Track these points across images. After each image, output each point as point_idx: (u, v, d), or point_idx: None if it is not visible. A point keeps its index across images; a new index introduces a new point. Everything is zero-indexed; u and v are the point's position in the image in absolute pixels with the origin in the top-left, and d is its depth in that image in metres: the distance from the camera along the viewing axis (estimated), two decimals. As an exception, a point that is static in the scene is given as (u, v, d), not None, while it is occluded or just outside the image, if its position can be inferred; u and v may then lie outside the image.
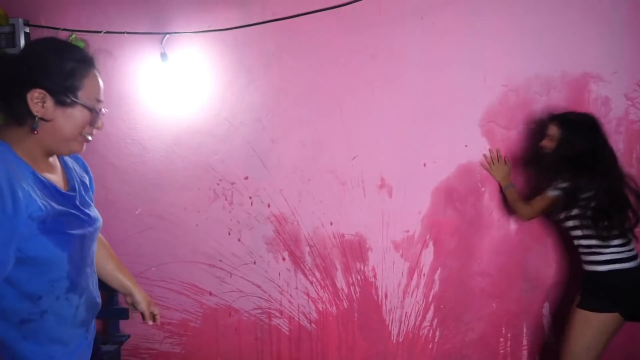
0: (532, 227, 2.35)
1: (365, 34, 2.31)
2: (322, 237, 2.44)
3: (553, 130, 2.10)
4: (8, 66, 1.13)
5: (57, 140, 1.16)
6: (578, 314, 2.04)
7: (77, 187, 1.26)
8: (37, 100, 1.11)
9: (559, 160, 2.07)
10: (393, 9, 2.29)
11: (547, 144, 2.12)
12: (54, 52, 1.15)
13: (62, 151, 1.20)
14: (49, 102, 1.12)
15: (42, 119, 1.12)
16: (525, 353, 2.43)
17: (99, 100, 1.20)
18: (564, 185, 2.05)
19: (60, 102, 1.13)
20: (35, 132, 1.12)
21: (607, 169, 2.03)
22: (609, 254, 2.01)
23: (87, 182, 1.35)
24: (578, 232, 2.07)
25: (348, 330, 2.48)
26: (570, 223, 2.08)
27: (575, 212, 2.04)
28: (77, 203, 1.22)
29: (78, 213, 1.20)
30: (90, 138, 1.22)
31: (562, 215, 2.09)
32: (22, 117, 1.12)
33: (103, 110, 1.22)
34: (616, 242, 2.01)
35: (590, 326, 2.01)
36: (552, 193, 2.09)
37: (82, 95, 1.15)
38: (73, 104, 1.14)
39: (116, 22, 2.38)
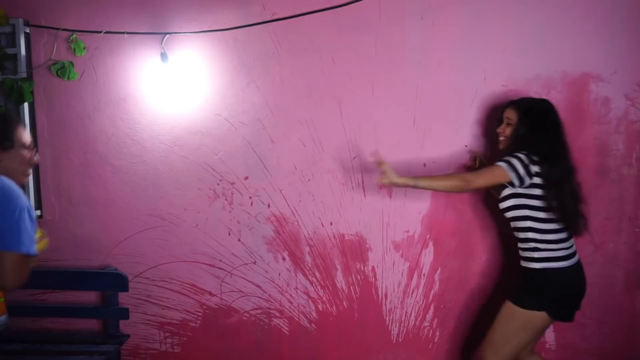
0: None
1: (365, 34, 2.31)
2: (322, 237, 2.44)
3: (510, 114, 2.04)
4: None
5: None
6: (506, 306, 2.01)
7: None
8: None
9: (519, 143, 1.98)
10: (393, 9, 2.29)
11: (504, 129, 2.06)
12: None
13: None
14: None
15: None
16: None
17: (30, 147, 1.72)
18: (522, 161, 1.92)
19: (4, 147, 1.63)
20: None
21: (566, 156, 1.98)
22: (546, 250, 1.95)
23: None
24: (525, 224, 1.97)
25: (348, 330, 2.48)
26: (517, 212, 1.98)
27: (531, 200, 1.95)
28: None
29: None
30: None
31: (510, 202, 1.99)
32: None
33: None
34: (559, 237, 1.96)
35: (514, 320, 1.98)
36: (504, 165, 1.93)
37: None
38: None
39: (116, 22, 2.39)
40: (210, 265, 2.50)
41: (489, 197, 2.35)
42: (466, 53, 2.28)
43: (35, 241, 1.61)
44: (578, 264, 1.99)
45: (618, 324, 2.36)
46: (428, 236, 2.40)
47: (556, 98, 2.27)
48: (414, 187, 2.02)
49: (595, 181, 2.30)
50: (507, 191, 2.00)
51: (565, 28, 2.24)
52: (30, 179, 2.45)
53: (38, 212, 2.50)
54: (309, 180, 2.41)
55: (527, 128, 1.98)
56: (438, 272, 2.42)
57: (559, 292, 1.96)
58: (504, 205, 2.03)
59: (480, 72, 2.28)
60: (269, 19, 2.32)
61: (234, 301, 2.51)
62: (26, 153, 1.71)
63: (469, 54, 2.28)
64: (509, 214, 2.02)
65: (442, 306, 2.44)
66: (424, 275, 2.43)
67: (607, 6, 2.21)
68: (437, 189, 2.07)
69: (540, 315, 1.95)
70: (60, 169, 2.49)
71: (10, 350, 2.40)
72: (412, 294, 2.44)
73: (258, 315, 2.51)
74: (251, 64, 2.37)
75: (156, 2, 2.38)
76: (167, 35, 2.35)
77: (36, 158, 1.77)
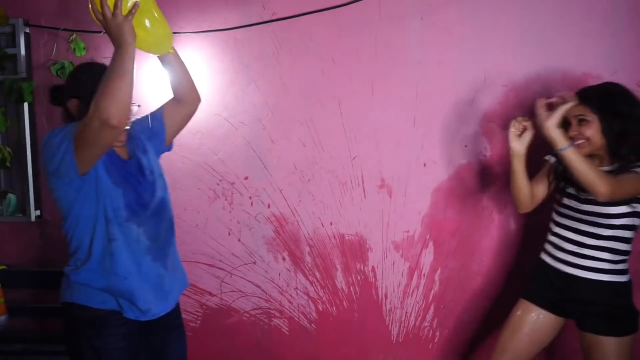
0: (532, 227, 2.34)
1: (365, 34, 2.31)
2: (322, 237, 2.44)
3: (579, 110, 1.71)
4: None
5: None
6: (612, 343, 1.71)
7: (136, 154, 1.66)
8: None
9: (616, 139, 1.68)
10: (393, 9, 2.29)
11: (579, 130, 1.72)
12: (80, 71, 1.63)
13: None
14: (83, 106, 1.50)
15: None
16: (525, 353, 2.42)
17: None
18: None
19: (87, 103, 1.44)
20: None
21: None
22: (626, 262, 1.78)
23: (147, 145, 1.73)
24: (628, 233, 1.73)
25: (348, 330, 2.48)
26: (631, 220, 1.71)
27: None
28: (132, 166, 1.63)
29: (132, 171, 1.61)
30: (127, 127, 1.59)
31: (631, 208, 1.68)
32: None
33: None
34: None
35: (626, 351, 1.72)
36: None
37: None
38: None
39: (116, 22, 2.38)
40: (210, 265, 2.50)
41: (490, 197, 2.35)
42: (466, 53, 2.28)
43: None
44: None
45: (618, 324, 2.36)
46: (428, 236, 2.40)
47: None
48: (560, 151, 1.64)
49: (595, 181, 2.29)
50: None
51: (565, 28, 2.23)
52: (30, 179, 2.45)
53: (38, 212, 2.50)
54: (309, 180, 2.41)
55: (612, 120, 1.69)
56: (438, 272, 2.42)
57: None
58: (623, 210, 1.70)
59: (480, 72, 2.28)
60: (269, 19, 2.32)
61: (234, 301, 2.51)
62: None
63: (469, 54, 2.28)
64: (621, 221, 1.71)
65: (442, 306, 2.43)
66: (424, 275, 2.43)
67: (607, 6, 2.21)
68: (580, 171, 1.61)
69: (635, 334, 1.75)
70: (60, 169, 2.49)
71: (10, 350, 2.40)
72: (412, 294, 2.44)
73: (258, 315, 2.51)
74: (251, 64, 2.37)
75: (156, 2, 2.37)
76: (167, 35, 2.35)
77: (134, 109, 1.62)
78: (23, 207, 2.49)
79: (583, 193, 1.75)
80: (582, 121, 1.73)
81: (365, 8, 2.28)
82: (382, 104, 2.34)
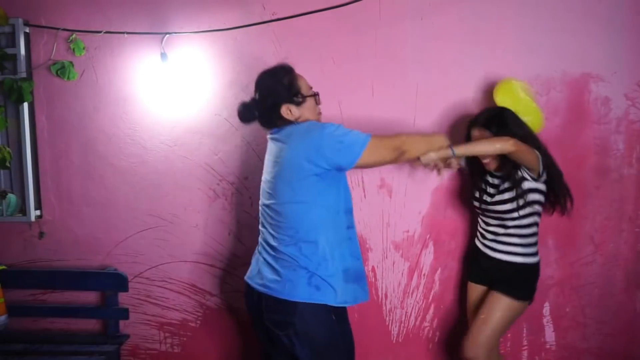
0: (532, 227, 2.35)
1: (365, 34, 2.31)
2: (322, 237, 2.44)
3: (481, 133, 2.01)
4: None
5: None
6: (503, 302, 2.03)
7: None
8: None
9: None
10: (393, 9, 2.29)
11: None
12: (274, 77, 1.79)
13: None
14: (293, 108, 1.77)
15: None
16: (525, 353, 2.43)
17: (311, 88, 1.85)
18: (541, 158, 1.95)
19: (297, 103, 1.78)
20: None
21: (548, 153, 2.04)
22: (536, 245, 2.08)
23: None
24: (533, 219, 2.01)
25: (348, 330, 2.48)
26: (532, 208, 1.98)
27: (541, 196, 1.99)
28: None
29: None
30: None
31: (531, 197, 1.96)
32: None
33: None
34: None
35: (511, 315, 2.05)
36: (538, 154, 1.95)
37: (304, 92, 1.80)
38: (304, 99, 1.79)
39: (116, 22, 2.39)
40: (210, 265, 2.50)
41: (489, 197, 2.35)
42: (466, 53, 2.28)
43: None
44: None
45: (618, 324, 2.37)
46: (428, 236, 2.40)
47: (556, 98, 2.28)
48: (454, 156, 1.87)
49: (595, 181, 2.30)
50: (527, 185, 1.96)
51: (565, 28, 2.24)
52: (30, 179, 2.45)
53: (38, 212, 2.50)
54: (309, 180, 2.41)
55: (510, 135, 1.93)
56: (438, 272, 2.42)
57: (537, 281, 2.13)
58: (526, 199, 1.96)
59: (480, 72, 2.28)
60: (269, 19, 2.32)
61: (234, 301, 2.51)
62: (313, 100, 1.81)
63: (469, 54, 2.28)
64: (525, 211, 1.98)
65: (442, 306, 2.44)
66: (424, 275, 2.43)
67: (608, 6, 2.21)
68: (481, 151, 1.93)
69: (526, 304, 2.09)
70: (60, 169, 2.49)
71: (10, 350, 2.40)
72: (412, 294, 2.44)
73: (258, 315, 2.51)
74: (251, 64, 2.37)
75: (156, 2, 2.38)
76: (167, 35, 2.35)
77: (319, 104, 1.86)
78: (23, 207, 2.49)
79: (487, 198, 2.07)
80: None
81: (365, 8, 2.28)
82: (382, 104, 2.34)
